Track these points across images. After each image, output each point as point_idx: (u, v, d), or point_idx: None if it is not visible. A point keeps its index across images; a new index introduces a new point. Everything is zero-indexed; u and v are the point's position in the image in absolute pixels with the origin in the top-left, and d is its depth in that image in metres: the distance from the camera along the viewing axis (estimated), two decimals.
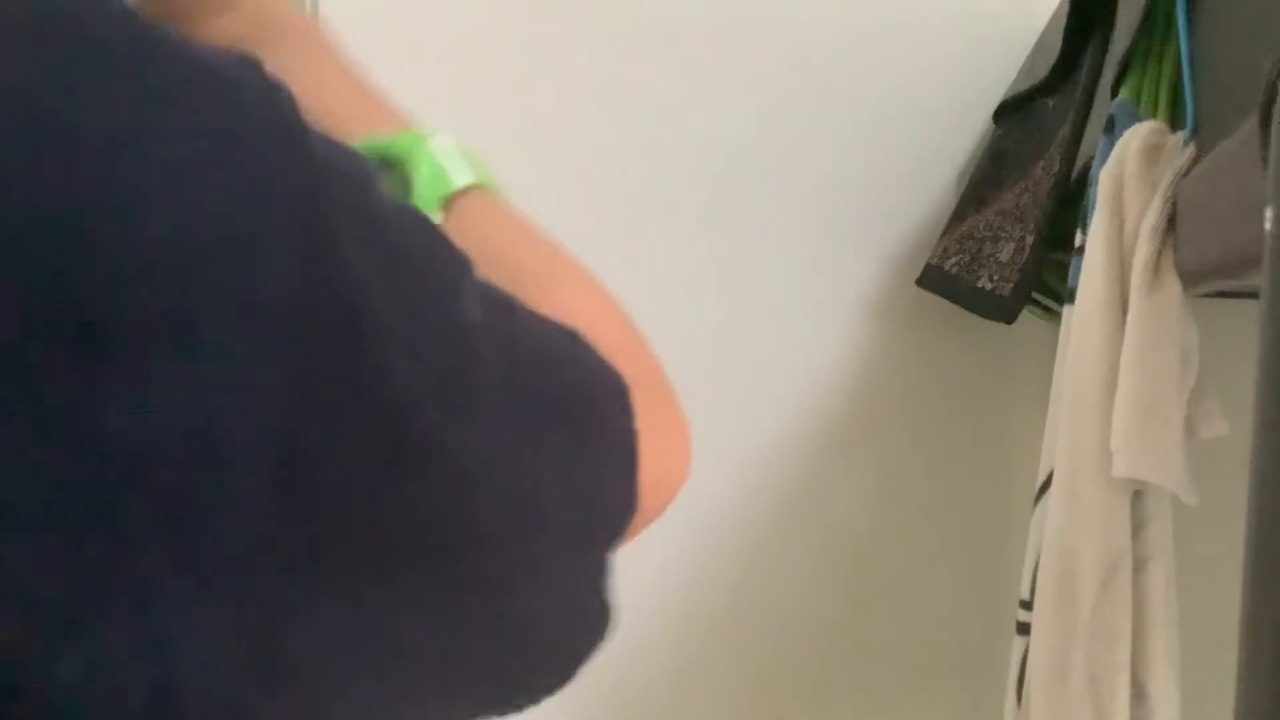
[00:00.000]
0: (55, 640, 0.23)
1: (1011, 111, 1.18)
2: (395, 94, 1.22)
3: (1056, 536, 0.78)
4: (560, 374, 0.35)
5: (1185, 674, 0.76)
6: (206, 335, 0.24)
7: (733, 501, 1.26)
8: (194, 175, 0.25)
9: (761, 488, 1.26)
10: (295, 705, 0.28)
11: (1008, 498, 1.24)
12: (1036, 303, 1.13)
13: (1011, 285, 1.00)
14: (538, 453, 0.33)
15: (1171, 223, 0.72)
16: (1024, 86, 1.13)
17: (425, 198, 0.42)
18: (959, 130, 1.26)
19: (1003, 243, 1.05)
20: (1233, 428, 0.74)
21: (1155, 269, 0.72)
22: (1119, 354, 0.73)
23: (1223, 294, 0.84)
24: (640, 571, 1.25)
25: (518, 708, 0.36)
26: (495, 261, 0.34)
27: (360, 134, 0.44)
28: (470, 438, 0.30)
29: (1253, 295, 0.46)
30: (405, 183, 0.42)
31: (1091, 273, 0.76)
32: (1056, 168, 0.96)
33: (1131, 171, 0.74)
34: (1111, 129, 0.79)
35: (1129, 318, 0.73)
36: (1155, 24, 0.81)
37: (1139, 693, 0.75)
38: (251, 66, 0.28)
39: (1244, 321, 0.53)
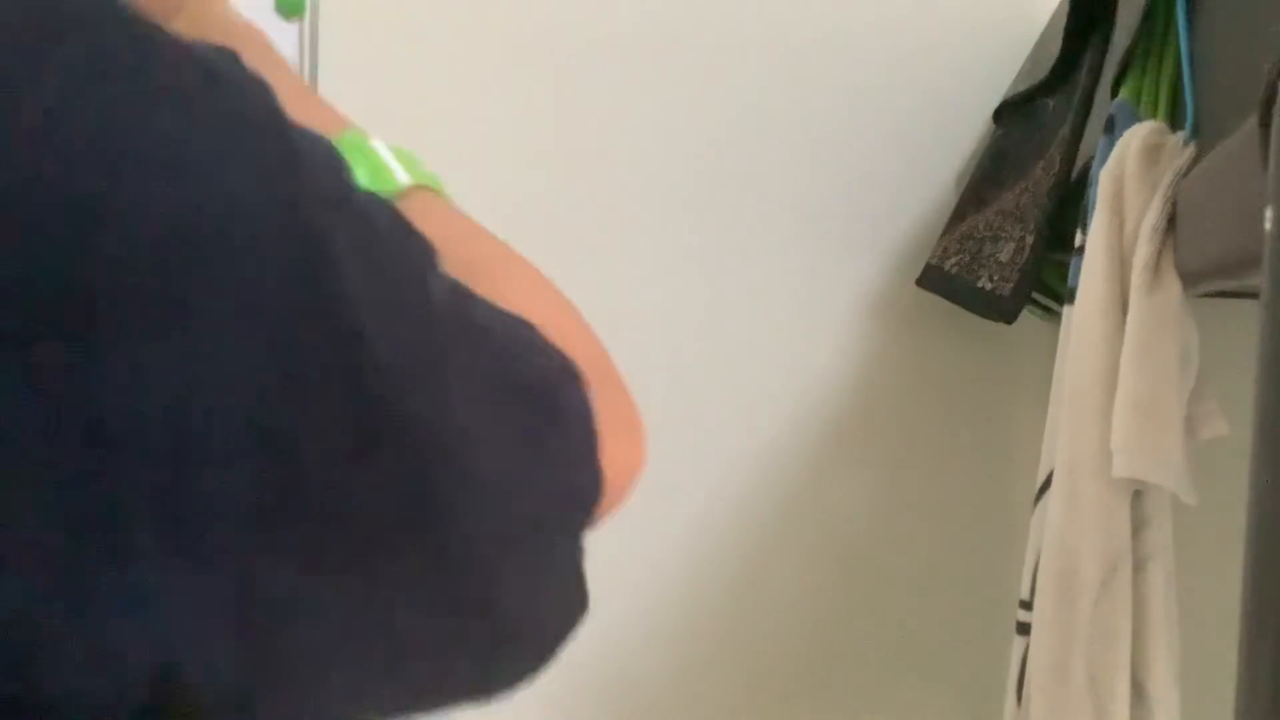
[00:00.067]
0: (56, 618, 0.24)
1: (1011, 111, 1.18)
2: (387, 91, 1.22)
3: (1056, 536, 0.78)
4: (521, 360, 0.36)
5: (1185, 674, 0.76)
6: (193, 316, 0.25)
7: (732, 501, 1.26)
8: (185, 163, 0.26)
9: (761, 487, 1.26)
10: (285, 687, 0.29)
11: (1008, 498, 1.24)
12: (1036, 303, 1.13)
13: (1011, 285, 1.00)
14: (506, 434, 0.34)
15: (1171, 223, 0.72)
16: (1024, 86, 1.13)
17: None
18: (959, 130, 1.26)
19: (1003, 243, 1.05)
20: (1233, 428, 0.74)
21: (1155, 269, 0.72)
22: (1119, 354, 0.73)
23: (1223, 294, 0.83)
24: (640, 571, 1.25)
25: (494, 693, 0.37)
26: (445, 258, 0.35)
27: None
28: (445, 417, 0.31)
29: (1253, 295, 0.46)
30: None
31: (1091, 273, 0.76)
32: (1056, 168, 0.96)
33: (1131, 171, 0.74)
34: (1111, 129, 0.79)
35: (1129, 318, 0.73)
36: (1155, 24, 0.81)
37: (1139, 693, 0.75)
38: (233, 60, 0.29)
39: (1244, 321, 0.53)
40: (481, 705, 0.37)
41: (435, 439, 0.31)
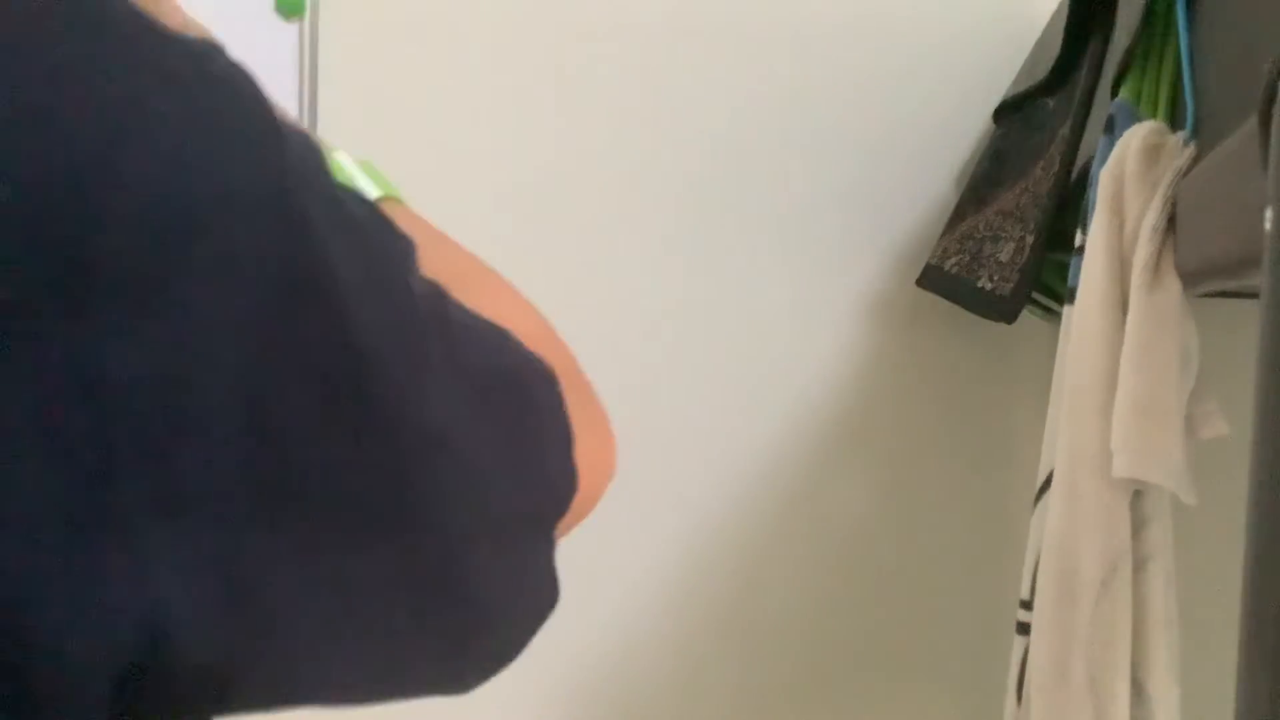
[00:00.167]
0: (48, 578, 0.25)
1: (1011, 111, 1.18)
2: (387, 91, 1.22)
3: (1056, 536, 0.78)
4: (495, 357, 0.37)
5: (1185, 674, 0.76)
6: (184, 292, 0.26)
7: (732, 501, 1.26)
8: (174, 140, 0.27)
9: (761, 488, 1.26)
10: (266, 659, 0.29)
11: (1008, 498, 1.24)
12: (1036, 303, 1.13)
13: (1011, 285, 1.00)
14: (483, 426, 0.35)
15: (1171, 223, 0.72)
16: (1024, 86, 1.13)
17: None
18: (959, 130, 1.26)
19: (1003, 243, 1.05)
20: (1233, 428, 0.74)
21: (1155, 269, 0.72)
22: (1119, 354, 0.73)
23: (1223, 294, 0.83)
24: (639, 571, 1.25)
25: (465, 682, 0.38)
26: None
27: None
28: (424, 403, 0.32)
29: (1253, 295, 0.46)
30: None
31: (1091, 273, 0.76)
32: (1056, 168, 0.96)
33: (1131, 171, 0.74)
34: (1111, 129, 0.79)
35: (1129, 318, 0.73)
36: (1155, 24, 0.81)
37: (1139, 693, 0.75)
38: (221, 51, 0.30)
39: (1244, 321, 0.53)
40: (453, 695, 0.37)
41: (415, 423, 0.32)
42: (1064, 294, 0.85)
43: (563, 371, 0.40)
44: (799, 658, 1.27)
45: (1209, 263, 0.66)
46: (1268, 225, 0.43)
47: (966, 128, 1.26)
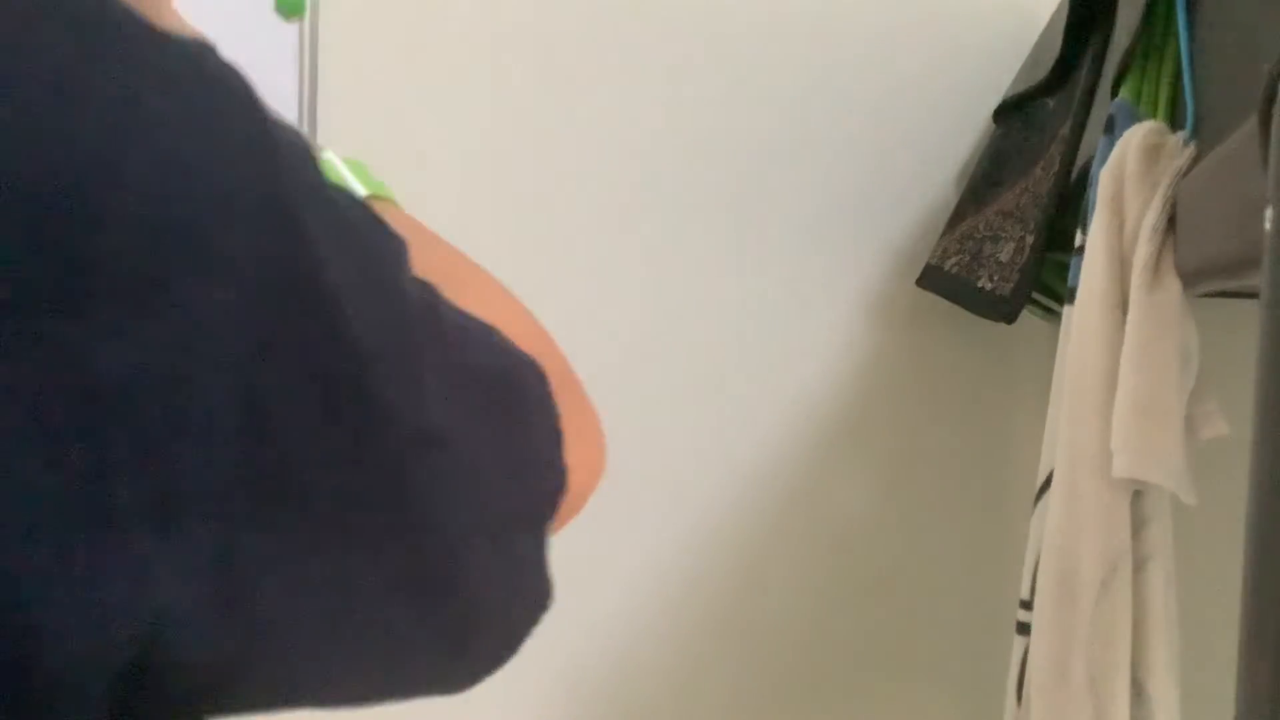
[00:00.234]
0: (44, 576, 0.25)
1: (1011, 111, 1.18)
2: (387, 91, 1.22)
3: (1056, 536, 0.78)
4: (487, 356, 0.37)
5: (1185, 674, 0.76)
6: (181, 289, 0.26)
7: (732, 501, 1.26)
8: (172, 141, 0.27)
9: (761, 487, 1.26)
10: (262, 658, 0.30)
11: (1008, 498, 1.24)
12: (1036, 303, 1.13)
13: (1011, 285, 1.00)
14: (477, 424, 0.35)
15: (1171, 223, 0.72)
16: (1024, 86, 1.13)
17: None
18: (959, 130, 1.26)
19: (1003, 243, 1.05)
20: (1233, 428, 0.74)
21: (1155, 269, 0.72)
22: (1119, 354, 0.73)
23: (1223, 294, 0.83)
24: (638, 571, 1.25)
25: (460, 683, 0.38)
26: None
27: None
28: (421, 403, 0.32)
29: (1253, 295, 0.46)
30: None
31: (1091, 273, 0.76)
32: (1056, 168, 0.96)
33: (1131, 171, 0.74)
34: (1111, 129, 0.79)
35: (1129, 318, 0.73)
36: (1155, 24, 0.81)
37: (1139, 693, 0.75)
38: (214, 52, 0.30)
39: (1244, 321, 0.53)
40: (449, 694, 0.37)
41: (411, 422, 0.32)
42: (1064, 294, 0.85)
43: (553, 371, 0.40)
44: (798, 657, 1.27)
45: (1209, 263, 0.66)
46: (1268, 225, 0.43)
47: (966, 128, 1.26)
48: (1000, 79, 1.22)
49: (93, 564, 0.25)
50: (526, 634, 0.39)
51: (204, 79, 0.29)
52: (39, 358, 0.25)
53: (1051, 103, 1.06)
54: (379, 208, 0.45)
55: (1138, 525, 0.75)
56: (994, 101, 1.21)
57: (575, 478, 0.40)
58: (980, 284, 1.06)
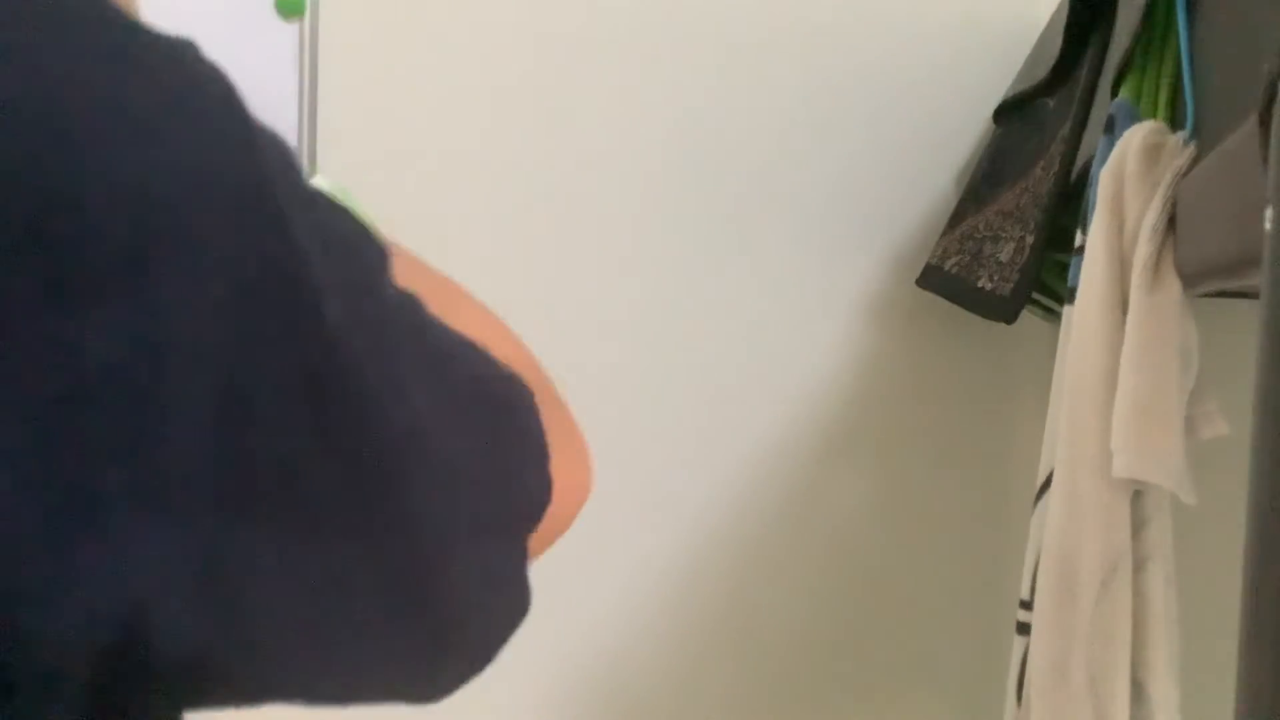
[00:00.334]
0: (27, 560, 0.25)
1: (1011, 111, 1.18)
2: (386, 91, 1.22)
3: (1056, 536, 0.78)
4: (470, 367, 0.37)
5: (1185, 674, 0.76)
6: (160, 280, 0.27)
7: (732, 502, 1.26)
8: (155, 132, 0.27)
9: (761, 488, 1.26)
10: (242, 648, 0.30)
11: (1008, 498, 1.24)
12: (1036, 303, 1.13)
13: (1011, 285, 1.00)
14: (457, 430, 0.35)
15: (1171, 223, 0.72)
16: (1024, 86, 1.13)
17: None
18: (959, 130, 1.26)
19: (1003, 243, 1.05)
20: (1233, 428, 0.74)
21: (1155, 269, 0.72)
22: (1119, 354, 0.73)
23: (1223, 294, 0.83)
24: (638, 572, 1.25)
25: (437, 688, 0.38)
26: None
27: None
28: (399, 405, 0.32)
29: (1253, 295, 0.46)
30: None
31: (1091, 273, 0.76)
32: (1056, 168, 0.96)
33: (1131, 171, 0.74)
34: (1111, 129, 0.79)
35: (1129, 318, 0.73)
36: (1155, 24, 0.81)
37: (1139, 693, 0.75)
38: (193, 45, 0.30)
39: (1244, 321, 0.53)
40: (425, 700, 0.37)
41: (389, 423, 0.32)
42: (1064, 294, 0.85)
43: (539, 391, 0.40)
44: (798, 658, 1.27)
45: (1209, 263, 0.66)
46: (1268, 225, 0.43)
47: (966, 128, 1.26)
48: (1000, 79, 1.22)
49: (72, 556, 0.25)
50: (503, 642, 0.39)
51: (187, 75, 0.29)
52: (15, 347, 0.25)
53: (1051, 103, 1.06)
54: None
55: (1138, 525, 0.75)
56: (994, 101, 1.21)
57: (561, 495, 0.40)
58: (980, 284, 1.06)
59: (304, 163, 1.20)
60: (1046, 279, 1.08)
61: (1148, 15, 0.80)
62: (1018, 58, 1.20)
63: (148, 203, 0.27)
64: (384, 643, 0.34)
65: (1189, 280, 0.71)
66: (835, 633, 1.27)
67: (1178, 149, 0.73)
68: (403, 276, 0.35)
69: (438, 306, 0.37)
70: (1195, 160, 0.71)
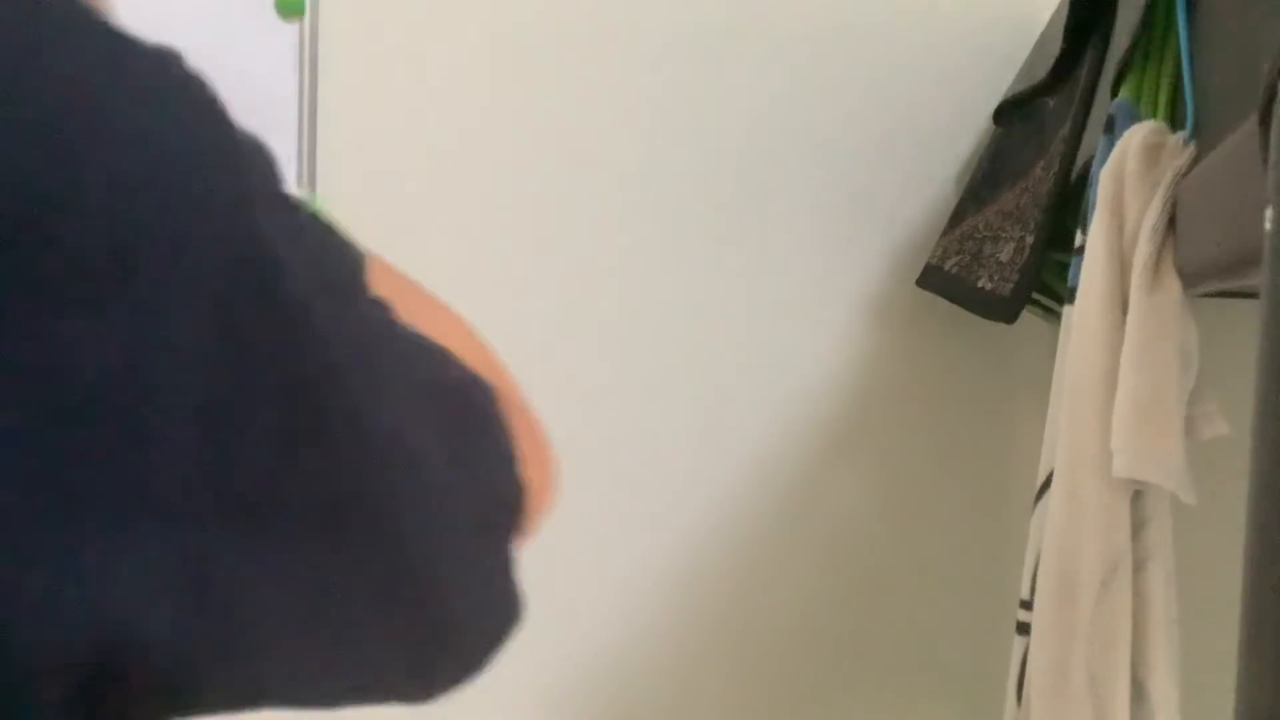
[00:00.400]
0: (11, 577, 0.25)
1: (1011, 111, 1.18)
2: (386, 91, 1.22)
3: (1056, 536, 0.78)
4: (441, 371, 0.37)
5: (1185, 674, 0.76)
6: (149, 287, 0.27)
7: (732, 501, 1.26)
8: (141, 138, 0.27)
9: (761, 487, 1.26)
10: (224, 658, 0.30)
11: (1008, 498, 1.24)
12: (1036, 303, 1.13)
13: (1011, 285, 1.00)
14: (433, 433, 0.35)
15: (1171, 223, 0.72)
16: (1024, 87, 1.13)
17: None
18: (959, 130, 1.26)
19: (1003, 243, 1.05)
20: (1233, 428, 0.74)
21: (1155, 269, 0.72)
22: (1119, 354, 0.73)
23: (1223, 294, 0.83)
24: (638, 572, 1.25)
25: (431, 692, 0.38)
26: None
27: None
28: (379, 410, 0.33)
29: (1253, 295, 0.46)
30: None
31: (1091, 273, 0.76)
32: (1056, 168, 0.96)
33: (1131, 171, 0.74)
34: (1111, 129, 0.79)
35: (1129, 318, 0.73)
36: (1155, 24, 0.81)
37: (1139, 693, 0.75)
38: (178, 55, 0.30)
39: (1244, 321, 0.53)
40: (419, 702, 0.37)
41: (370, 429, 0.32)
42: (1064, 294, 0.85)
43: (504, 394, 0.40)
44: (798, 658, 1.27)
45: (1209, 263, 0.66)
46: (1268, 225, 0.43)
47: (966, 128, 1.26)
48: (1000, 79, 1.22)
49: (56, 565, 0.25)
50: (496, 646, 0.39)
51: (172, 85, 0.29)
52: (11, 350, 0.25)
53: (1052, 103, 1.06)
54: None
55: (1138, 525, 0.75)
56: (994, 101, 1.21)
57: (531, 497, 0.40)
58: (980, 284, 1.06)
59: (304, 163, 1.20)
60: (1046, 279, 1.08)
61: (1148, 15, 0.80)
62: (1018, 58, 1.20)
63: (129, 217, 0.27)
64: (371, 646, 0.34)
65: (1189, 280, 0.71)
66: (835, 633, 1.27)
67: (1178, 149, 0.73)
68: (375, 281, 0.36)
69: (406, 310, 0.37)
70: (1195, 160, 0.71)
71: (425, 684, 0.37)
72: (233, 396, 0.28)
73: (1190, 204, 0.70)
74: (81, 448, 0.26)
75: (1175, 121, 0.77)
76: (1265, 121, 0.48)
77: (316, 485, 0.31)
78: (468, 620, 0.37)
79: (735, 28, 1.25)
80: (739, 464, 1.26)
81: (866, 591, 1.27)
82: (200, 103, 0.30)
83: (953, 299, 1.15)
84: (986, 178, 1.18)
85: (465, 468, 0.36)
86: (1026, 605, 0.84)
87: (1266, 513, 0.41)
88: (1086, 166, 0.89)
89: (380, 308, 0.35)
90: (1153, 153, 0.74)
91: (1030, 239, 0.99)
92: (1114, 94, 0.83)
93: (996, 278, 1.04)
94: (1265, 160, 0.46)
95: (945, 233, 1.21)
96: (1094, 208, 0.77)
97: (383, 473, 0.32)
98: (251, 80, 1.17)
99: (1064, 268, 0.88)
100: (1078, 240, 0.82)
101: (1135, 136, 0.75)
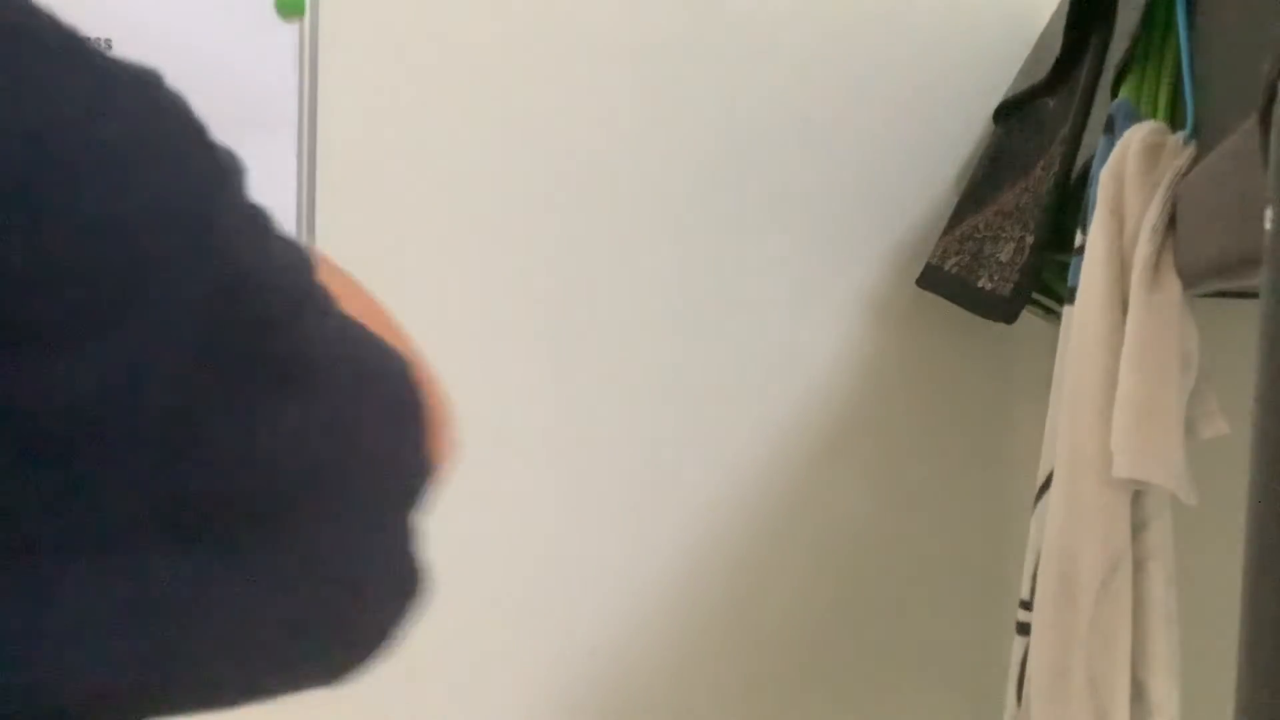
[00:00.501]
0: None
1: (1011, 111, 1.18)
2: (386, 91, 1.22)
3: (1056, 537, 0.78)
4: (384, 364, 0.38)
5: (1185, 674, 0.76)
6: (130, 318, 0.27)
7: (732, 501, 1.26)
8: (121, 162, 0.27)
9: (761, 487, 1.26)
10: (179, 678, 0.30)
11: (1008, 498, 1.24)
12: (1036, 303, 1.13)
13: (1011, 285, 1.00)
14: (366, 425, 0.36)
15: (1171, 223, 0.72)
16: (1024, 86, 1.13)
17: None
18: (959, 130, 1.26)
19: (1003, 243, 1.05)
20: (1233, 428, 0.74)
21: (1155, 269, 0.72)
22: (1119, 354, 0.73)
23: (1223, 294, 0.83)
24: (638, 571, 1.25)
25: (335, 670, 0.38)
26: None
27: None
28: (335, 413, 0.33)
29: (1253, 295, 0.46)
30: None
31: (1091, 273, 0.76)
32: (1056, 168, 0.96)
33: (1131, 171, 0.74)
34: (1111, 129, 0.79)
35: (1129, 318, 0.73)
36: (1155, 24, 0.81)
37: (1139, 693, 0.75)
38: (159, 76, 0.31)
39: (1244, 321, 0.53)
40: (322, 685, 0.37)
41: (317, 422, 0.33)
42: (1064, 294, 0.85)
43: (418, 368, 0.42)
44: (798, 658, 1.27)
45: (1209, 263, 0.66)
46: (1268, 225, 0.43)
47: (966, 128, 1.26)
48: (1000, 79, 1.22)
49: (4, 603, 0.25)
50: (398, 621, 0.39)
51: (156, 107, 0.30)
52: None
53: (1052, 103, 1.06)
54: None
55: (1138, 525, 0.75)
56: (994, 101, 1.21)
57: (436, 470, 0.41)
58: (980, 284, 1.06)
59: (304, 163, 1.20)
60: (1046, 279, 1.08)
61: (1148, 15, 0.80)
62: (1018, 58, 1.20)
63: (111, 243, 0.27)
64: (287, 643, 0.34)
65: (1189, 280, 0.71)
66: (834, 633, 1.27)
67: (1178, 149, 0.73)
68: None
69: (338, 295, 0.38)
70: (1195, 160, 0.71)
71: (328, 667, 0.37)
72: (200, 419, 0.29)
73: (1190, 204, 0.70)
74: (36, 483, 0.26)
75: (1175, 121, 0.77)
76: (1265, 121, 0.48)
77: (262, 493, 0.31)
78: (376, 599, 0.37)
79: (735, 28, 1.25)
80: (739, 463, 1.26)
81: (866, 591, 1.27)
82: (182, 125, 0.30)
83: (953, 299, 1.15)
84: (986, 178, 1.18)
85: (387, 450, 0.37)
86: (1026, 605, 0.84)
87: (1266, 513, 0.41)
88: (1086, 166, 0.89)
89: (341, 312, 0.36)
90: (1153, 153, 0.74)
91: (1030, 239, 0.99)
92: (1114, 94, 0.83)
93: (996, 278, 1.04)
94: (1265, 160, 0.46)
95: (945, 233, 1.21)
96: (1094, 208, 0.77)
97: (321, 470, 0.33)
98: (251, 80, 1.17)
99: (1064, 268, 0.88)
100: (1078, 240, 0.82)
101: (1135, 136, 0.75)
